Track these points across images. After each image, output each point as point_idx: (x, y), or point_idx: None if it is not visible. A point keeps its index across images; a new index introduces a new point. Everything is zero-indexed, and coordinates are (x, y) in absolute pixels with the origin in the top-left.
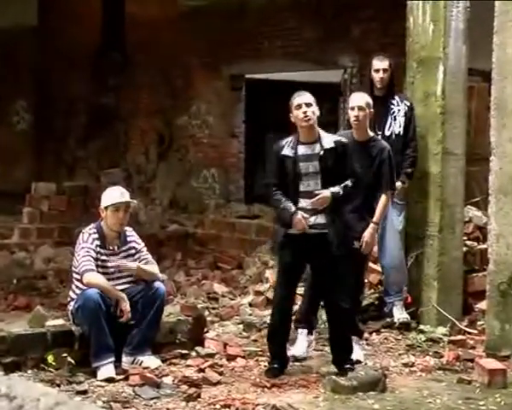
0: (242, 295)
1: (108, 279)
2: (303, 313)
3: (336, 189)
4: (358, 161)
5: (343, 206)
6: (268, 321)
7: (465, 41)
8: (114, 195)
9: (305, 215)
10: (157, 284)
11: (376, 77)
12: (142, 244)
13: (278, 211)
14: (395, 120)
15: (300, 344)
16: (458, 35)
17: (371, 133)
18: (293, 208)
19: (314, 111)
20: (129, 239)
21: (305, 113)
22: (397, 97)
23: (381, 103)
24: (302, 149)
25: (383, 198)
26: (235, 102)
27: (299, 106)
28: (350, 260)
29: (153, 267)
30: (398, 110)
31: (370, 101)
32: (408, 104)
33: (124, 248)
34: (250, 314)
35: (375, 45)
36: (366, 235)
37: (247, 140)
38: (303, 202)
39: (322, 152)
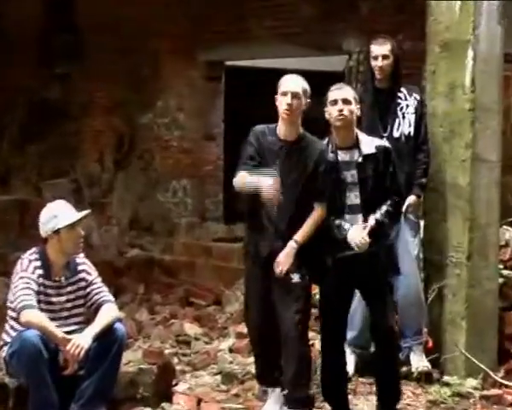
0: (221, 338)
1: (53, 319)
2: (265, 368)
3: (379, 217)
4: (286, 164)
5: (390, 227)
6: (253, 370)
7: (500, 20)
8: (65, 211)
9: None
10: (114, 324)
11: (375, 66)
12: (96, 274)
13: (330, 230)
14: (404, 117)
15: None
16: (492, 13)
17: (301, 130)
18: (348, 225)
19: (352, 110)
20: (79, 268)
21: (340, 111)
22: (404, 90)
23: (385, 98)
24: (341, 155)
25: (316, 212)
26: (213, 96)
27: (335, 102)
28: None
29: (108, 310)
30: (407, 106)
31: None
32: (418, 98)
33: (72, 280)
34: (230, 362)
35: (387, 26)
36: (280, 255)
37: (228, 143)
38: (348, 220)
39: (360, 159)
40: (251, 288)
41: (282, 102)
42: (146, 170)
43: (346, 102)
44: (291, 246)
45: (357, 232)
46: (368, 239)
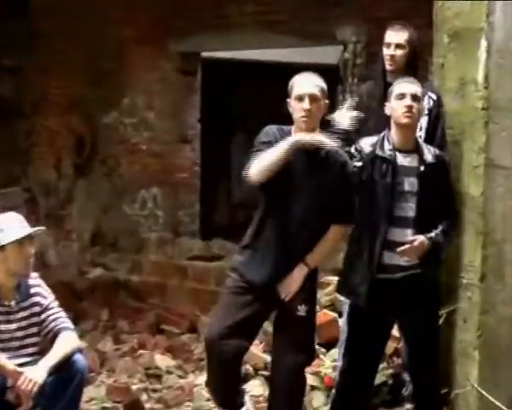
0: (197, 371)
1: (1, 349)
2: (227, 394)
3: (436, 235)
4: (303, 177)
5: (443, 251)
6: None
7: None
8: (13, 225)
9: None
10: (74, 356)
11: (386, 55)
12: (52, 298)
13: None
14: None
15: None
16: None
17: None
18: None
19: (421, 109)
20: (32, 291)
21: (409, 107)
22: None
23: None
24: (400, 158)
25: (335, 233)
26: (188, 92)
27: (402, 96)
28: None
29: (66, 339)
30: None
31: (324, 85)
32: (434, 98)
33: (24, 305)
34: (208, 399)
35: (388, 12)
36: (287, 279)
37: (205, 146)
38: (394, 233)
39: (422, 167)
40: (228, 312)
41: (297, 108)
42: (110, 177)
43: (415, 98)
44: (301, 269)
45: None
46: (421, 249)
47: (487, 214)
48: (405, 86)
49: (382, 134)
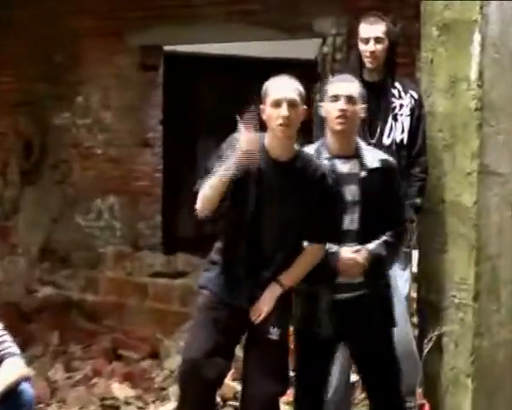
0: (158, 401)
1: None
2: None
3: (375, 248)
4: (276, 190)
5: (388, 265)
6: None
7: None
8: None
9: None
10: (20, 385)
11: (365, 51)
12: None
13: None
14: (396, 120)
15: None
16: None
17: (295, 146)
18: (335, 247)
19: (357, 111)
20: None
21: (343, 111)
22: (398, 85)
23: (375, 95)
24: (338, 165)
25: (312, 253)
26: (149, 90)
27: (336, 98)
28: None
29: (12, 366)
30: (401, 106)
31: (302, 89)
32: (415, 96)
33: None
34: None
35: (371, 1)
36: (261, 299)
37: (168, 150)
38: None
39: (363, 173)
40: (207, 330)
41: (273, 116)
42: (61, 184)
43: (350, 100)
44: (273, 289)
45: (347, 254)
46: (362, 263)
47: (481, 227)
48: (339, 86)
49: (321, 140)
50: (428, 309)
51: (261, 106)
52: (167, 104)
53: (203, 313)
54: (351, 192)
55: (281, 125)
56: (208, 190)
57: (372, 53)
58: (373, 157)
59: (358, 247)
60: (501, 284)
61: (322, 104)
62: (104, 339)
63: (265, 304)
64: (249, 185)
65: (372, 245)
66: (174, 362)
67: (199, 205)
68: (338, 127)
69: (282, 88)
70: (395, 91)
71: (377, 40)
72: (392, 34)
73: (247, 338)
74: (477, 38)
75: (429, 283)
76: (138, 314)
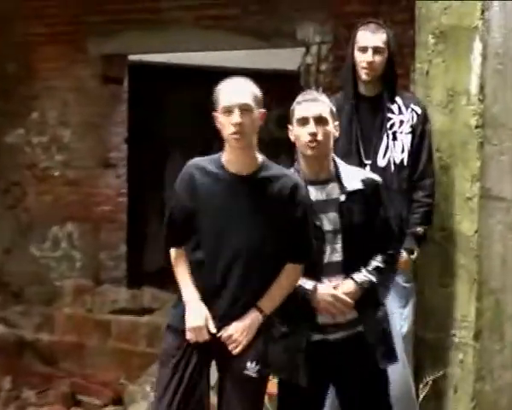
0: None
1: None
2: None
3: (363, 276)
4: (242, 211)
5: (383, 293)
6: None
7: None
8: None
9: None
10: None
11: (362, 61)
12: None
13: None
14: (395, 139)
15: None
16: None
17: (259, 156)
18: (311, 283)
19: (329, 132)
20: None
21: (313, 135)
22: (399, 99)
23: (371, 110)
24: (313, 192)
25: (290, 274)
26: (112, 105)
27: (304, 120)
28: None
29: None
30: (401, 122)
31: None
32: (418, 111)
33: None
34: None
35: (359, 6)
36: (237, 327)
37: (133, 172)
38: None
39: (342, 197)
40: (168, 390)
41: (226, 124)
42: (14, 210)
43: (320, 120)
44: (254, 316)
45: (326, 292)
46: (345, 304)
47: (483, 257)
48: (306, 107)
49: (294, 166)
50: (425, 349)
51: (214, 114)
52: (133, 120)
53: (168, 361)
54: (330, 220)
55: (234, 133)
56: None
57: (370, 64)
58: (353, 177)
59: (339, 281)
60: (505, 322)
61: (290, 127)
62: (62, 383)
63: (244, 334)
64: (210, 210)
65: (358, 274)
66: (140, 409)
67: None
68: (309, 152)
69: (233, 92)
70: (394, 107)
71: (376, 50)
72: (392, 44)
73: (220, 376)
74: (478, 46)
75: (426, 320)
76: (100, 356)
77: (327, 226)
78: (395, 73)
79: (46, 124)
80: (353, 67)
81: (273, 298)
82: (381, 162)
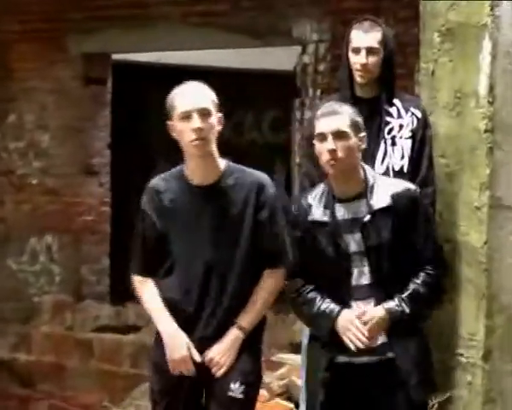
0: None
1: None
2: None
3: (395, 306)
4: (208, 224)
5: (419, 320)
6: None
7: None
8: None
9: (364, 310)
10: None
11: (356, 63)
12: None
13: (310, 321)
14: (394, 144)
15: None
16: None
17: (221, 162)
18: (337, 308)
19: (352, 147)
20: None
21: (332, 152)
22: (398, 102)
23: (369, 112)
24: (341, 210)
25: (268, 283)
26: (94, 108)
27: (323, 137)
28: None
29: None
30: (401, 126)
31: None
32: (418, 115)
33: None
34: None
35: (359, 2)
36: (218, 347)
37: (117, 180)
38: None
39: (367, 217)
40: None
41: (185, 131)
42: None
43: (339, 135)
44: (235, 335)
45: (347, 318)
46: (367, 335)
47: (492, 271)
48: (324, 122)
49: (324, 183)
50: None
51: (169, 122)
52: (116, 124)
53: (161, 402)
54: (356, 241)
55: (194, 140)
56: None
57: (363, 66)
58: (383, 193)
59: (368, 306)
60: None
61: (315, 142)
62: (40, 406)
63: (227, 355)
64: (179, 229)
65: (390, 303)
66: None
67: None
68: (331, 170)
69: (190, 97)
70: (393, 110)
71: (370, 51)
72: (389, 43)
73: (206, 395)
74: (487, 45)
75: (430, 339)
76: (81, 377)
77: (353, 247)
78: (393, 74)
79: (23, 128)
80: (348, 68)
81: (253, 312)
82: (379, 169)
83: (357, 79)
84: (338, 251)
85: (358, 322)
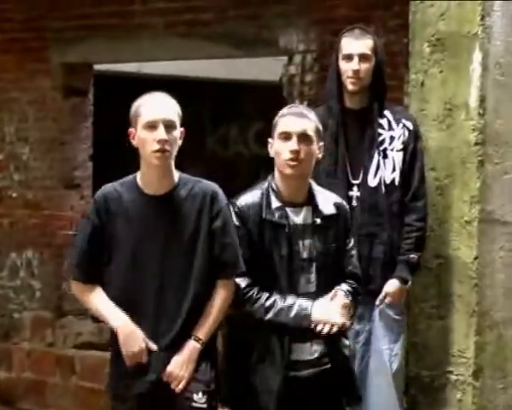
0: None
1: None
2: None
3: (346, 287)
4: (160, 235)
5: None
6: None
7: None
8: None
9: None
10: None
11: (347, 70)
12: None
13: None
14: (385, 157)
15: None
16: None
17: (175, 173)
18: (310, 303)
19: (313, 152)
20: None
21: (295, 153)
22: (389, 113)
23: (359, 123)
24: (291, 215)
25: (222, 292)
26: (75, 120)
27: (287, 136)
28: None
29: None
30: (392, 138)
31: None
32: (410, 127)
33: None
34: None
35: (348, 10)
36: (176, 361)
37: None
38: None
39: (318, 221)
40: None
41: (148, 141)
42: None
43: (304, 138)
44: (192, 347)
45: (326, 307)
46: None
47: (484, 287)
48: (291, 122)
49: (266, 183)
50: (419, 388)
51: (130, 130)
52: (98, 136)
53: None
54: (305, 247)
55: (158, 151)
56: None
57: (356, 72)
58: (327, 201)
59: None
60: (509, 358)
61: (270, 141)
62: None
63: (185, 369)
64: (128, 238)
65: (342, 286)
66: None
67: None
68: (288, 171)
69: (157, 107)
70: (384, 121)
71: (362, 57)
72: (380, 51)
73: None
74: (478, 55)
75: (420, 356)
76: (62, 395)
77: (303, 254)
78: (384, 84)
79: (3, 140)
80: (338, 77)
81: (208, 323)
82: (372, 182)
83: (349, 86)
84: (291, 256)
85: (335, 303)
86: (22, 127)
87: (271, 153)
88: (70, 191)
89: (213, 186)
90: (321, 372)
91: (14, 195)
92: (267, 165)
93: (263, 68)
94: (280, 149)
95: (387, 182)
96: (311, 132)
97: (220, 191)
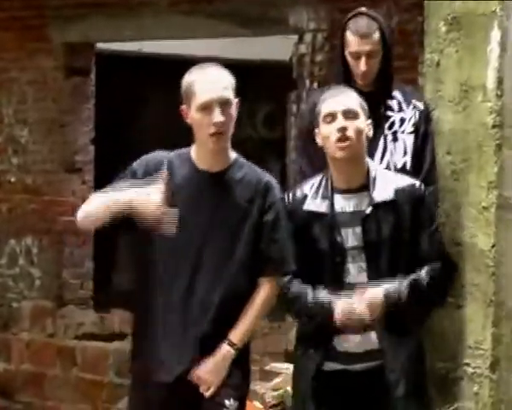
0: None
1: None
2: None
3: (394, 287)
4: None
5: (414, 317)
6: None
7: None
8: None
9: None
10: None
11: (355, 67)
12: None
13: (301, 316)
14: (395, 140)
15: None
16: None
17: (231, 153)
18: (331, 297)
19: (362, 129)
20: None
21: (342, 130)
22: (398, 94)
23: (368, 106)
24: (341, 202)
25: (263, 292)
26: (77, 100)
27: (332, 116)
28: None
29: None
30: (402, 120)
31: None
32: (420, 108)
33: None
34: None
35: None
36: (206, 365)
37: (101, 177)
38: None
39: (368, 210)
40: None
41: (203, 123)
42: None
43: (349, 114)
44: (225, 352)
45: (349, 304)
46: (371, 314)
47: (501, 276)
48: (333, 101)
49: (321, 174)
50: (434, 381)
51: (183, 107)
52: (100, 118)
53: (135, 396)
54: (356, 235)
55: (214, 134)
56: (97, 206)
57: (364, 73)
58: (387, 186)
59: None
60: None
61: (316, 131)
62: None
63: (217, 371)
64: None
65: (389, 285)
66: None
67: (80, 215)
68: (339, 154)
69: (211, 85)
70: (393, 103)
71: (370, 55)
72: (387, 37)
73: None
74: (496, 35)
75: (435, 347)
76: (63, 387)
77: (351, 242)
78: (390, 66)
79: (1, 122)
80: (345, 64)
81: (245, 327)
82: (381, 166)
83: (359, 81)
84: (333, 246)
85: (358, 302)
86: (21, 109)
87: (319, 142)
88: (71, 176)
89: (269, 177)
90: (374, 369)
91: (12, 179)
92: (276, 150)
93: (271, 47)
94: (327, 132)
95: (398, 166)
96: (355, 107)
97: (276, 184)
